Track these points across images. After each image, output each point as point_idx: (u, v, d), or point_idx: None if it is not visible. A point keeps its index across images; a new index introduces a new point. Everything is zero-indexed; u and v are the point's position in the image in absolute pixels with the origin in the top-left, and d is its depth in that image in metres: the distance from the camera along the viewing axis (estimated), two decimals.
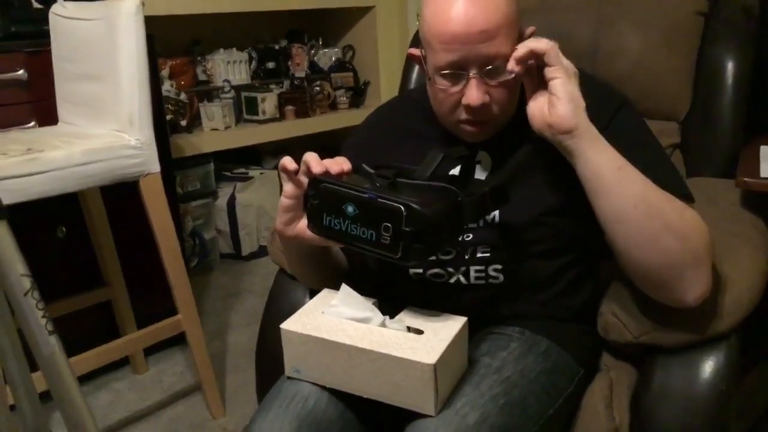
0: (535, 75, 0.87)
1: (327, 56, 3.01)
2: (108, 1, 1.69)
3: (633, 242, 0.86)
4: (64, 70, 1.58)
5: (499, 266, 0.97)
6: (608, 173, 0.84)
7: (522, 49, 0.84)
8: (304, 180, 0.89)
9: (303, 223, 0.91)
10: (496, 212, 0.97)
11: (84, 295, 1.80)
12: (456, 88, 0.90)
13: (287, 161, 0.89)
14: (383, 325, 0.86)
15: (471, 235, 0.98)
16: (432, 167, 0.87)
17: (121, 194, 1.55)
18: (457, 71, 0.89)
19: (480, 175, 1.00)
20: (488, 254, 0.97)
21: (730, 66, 1.32)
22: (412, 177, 0.86)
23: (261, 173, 2.84)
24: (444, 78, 0.90)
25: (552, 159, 0.90)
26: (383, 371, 0.81)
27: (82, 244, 1.79)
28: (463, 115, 0.93)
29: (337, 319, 0.87)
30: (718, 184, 1.25)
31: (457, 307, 0.90)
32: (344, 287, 0.90)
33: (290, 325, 0.87)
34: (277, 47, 2.88)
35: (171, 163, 2.11)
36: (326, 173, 0.85)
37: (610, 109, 0.97)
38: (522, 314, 1.01)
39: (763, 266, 1.00)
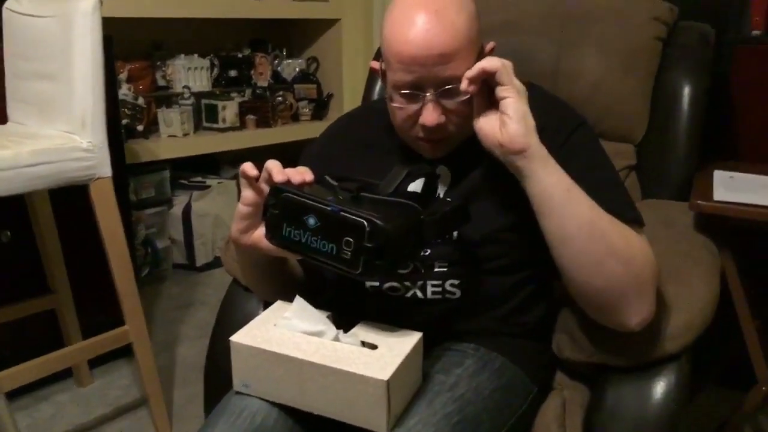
0: (485, 93, 0.86)
1: (291, 67, 3.00)
2: None
3: (577, 264, 0.86)
4: (16, 68, 1.53)
5: (455, 281, 0.97)
6: (555, 194, 0.84)
7: (474, 69, 0.83)
8: (265, 188, 0.87)
9: (260, 231, 0.89)
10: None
11: (28, 302, 1.74)
12: (413, 107, 0.90)
13: (248, 167, 0.86)
14: (337, 339, 0.84)
15: (429, 251, 0.97)
16: (395, 183, 0.86)
17: (70, 198, 1.50)
18: (414, 92, 0.89)
19: (439, 189, 0.99)
20: (445, 269, 0.97)
21: (686, 91, 1.35)
22: (375, 192, 0.85)
23: (219, 182, 2.80)
24: (401, 96, 0.90)
25: (510, 175, 0.89)
26: (335, 387, 0.79)
27: (28, 249, 1.72)
28: (420, 133, 0.93)
29: (289, 332, 0.85)
30: (672, 207, 1.27)
31: (413, 321, 0.88)
32: (298, 299, 0.88)
33: (240, 337, 0.84)
34: (240, 55, 2.85)
35: (125, 169, 2.05)
36: (288, 182, 0.83)
37: (567, 128, 0.97)
38: (477, 330, 1.00)
39: (714, 288, 1.01)
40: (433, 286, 0.97)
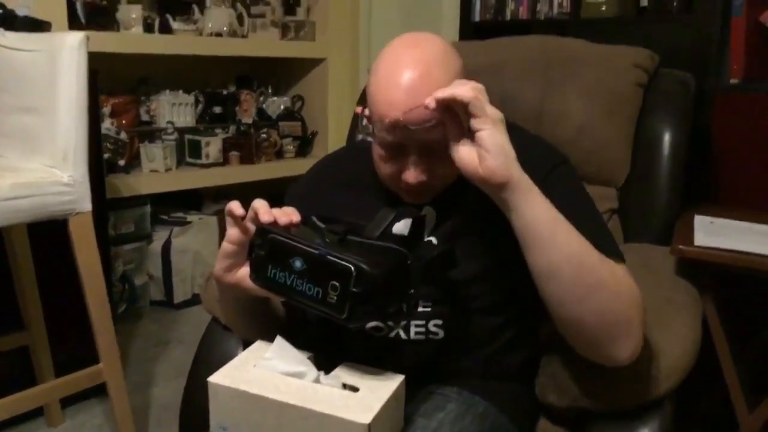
0: (459, 119, 0.83)
1: (276, 104, 3.01)
2: (51, 34, 1.66)
3: (566, 299, 0.84)
4: (0, 101, 1.51)
5: (439, 321, 0.96)
6: (542, 226, 0.82)
7: (444, 92, 0.80)
8: (251, 227, 0.86)
9: (244, 270, 0.87)
10: None
11: (0, 338, 1.69)
12: (396, 161, 0.91)
13: (235, 206, 0.85)
14: (317, 380, 0.82)
15: (412, 290, 0.96)
16: (383, 226, 0.85)
17: (47, 232, 1.48)
18: (397, 150, 0.89)
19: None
20: (429, 309, 0.96)
21: (667, 137, 1.37)
22: (363, 235, 0.84)
23: (200, 218, 2.77)
24: (385, 150, 0.91)
25: (496, 214, 0.89)
26: (315, 430, 0.77)
27: (2, 283, 1.69)
28: (403, 185, 0.92)
29: (269, 373, 0.83)
30: (654, 251, 1.28)
31: (396, 362, 0.87)
32: (279, 339, 0.86)
33: (218, 378, 0.82)
34: (225, 92, 2.86)
35: (105, 204, 2.03)
36: (274, 223, 0.82)
37: (546, 166, 0.97)
38: (461, 372, 0.99)
39: (696, 333, 1.01)
40: (417, 326, 0.96)
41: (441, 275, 0.93)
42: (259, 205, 0.84)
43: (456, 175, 0.91)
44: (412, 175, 0.89)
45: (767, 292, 1.44)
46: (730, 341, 1.35)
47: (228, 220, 0.87)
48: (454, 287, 0.96)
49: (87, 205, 1.43)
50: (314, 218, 0.87)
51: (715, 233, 1.31)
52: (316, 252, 0.77)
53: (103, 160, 2.18)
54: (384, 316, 0.92)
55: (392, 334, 0.97)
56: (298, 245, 0.78)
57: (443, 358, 0.98)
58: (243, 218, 0.85)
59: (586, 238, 0.85)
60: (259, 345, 0.91)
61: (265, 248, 0.81)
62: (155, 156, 2.52)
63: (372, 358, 0.87)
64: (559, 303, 0.85)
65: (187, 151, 2.68)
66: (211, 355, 1.20)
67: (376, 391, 0.80)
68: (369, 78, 0.92)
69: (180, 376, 2.07)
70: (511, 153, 0.81)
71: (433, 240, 0.98)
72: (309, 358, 0.86)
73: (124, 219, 2.52)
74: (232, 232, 0.87)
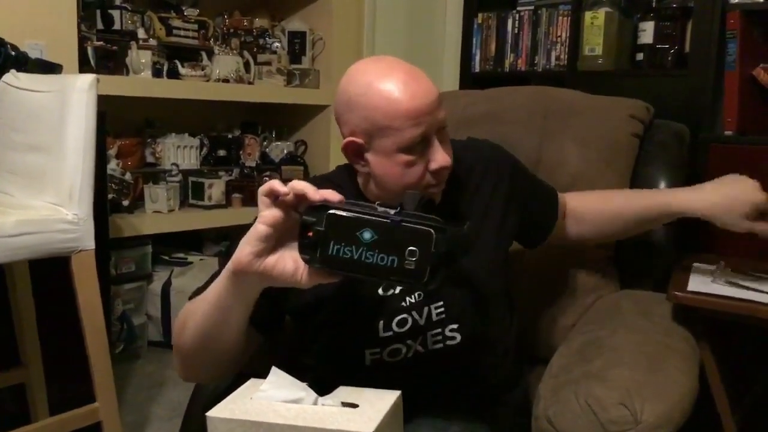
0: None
1: (279, 149, 3.05)
2: (62, 76, 1.70)
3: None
4: (9, 140, 1.54)
5: (454, 325, 0.99)
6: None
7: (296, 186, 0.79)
8: (289, 211, 0.82)
9: (273, 257, 0.82)
10: None
11: None
12: (422, 158, 0.96)
13: (277, 183, 0.81)
14: (316, 403, 0.83)
15: (422, 295, 1.00)
16: (414, 204, 0.85)
17: (48, 269, 1.49)
18: (424, 141, 0.95)
19: None
20: (443, 314, 0.99)
21: (662, 185, 1.40)
22: (405, 213, 0.83)
23: (201, 259, 2.78)
24: (409, 153, 0.95)
25: (495, 211, 1.05)
26: None
27: (1, 319, 1.69)
28: (431, 181, 0.98)
29: (268, 402, 0.84)
30: (650, 298, 1.29)
31: (413, 383, 0.89)
32: (274, 369, 0.87)
33: (217, 412, 0.82)
34: (230, 136, 2.91)
35: (107, 243, 2.05)
36: (327, 201, 0.80)
37: (509, 162, 1.17)
38: (469, 387, 1.03)
39: (693, 379, 1.02)
40: (433, 335, 0.99)
41: (464, 255, 0.91)
42: (304, 185, 0.80)
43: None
44: (444, 157, 0.97)
45: (765, 339, 1.44)
46: (728, 389, 1.34)
47: (264, 200, 0.81)
48: (462, 283, 1.01)
49: (90, 243, 1.44)
50: (353, 201, 0.84)
51: (710, 280, 1.32)
52: (389, 221, 0.78)
53: (108, 199, 2.21)
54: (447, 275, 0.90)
55: (410, 354, 0.99)
56: (367, 216, 0.78)
57: (462, 364, 1.02)
58: (280, 198, 0.81)
59: (546, 194, 1.22)
60: (252, 382, 0.91)
61: (325, 225, 0.79)
62: (159, 197, 2.55)
63: (393, 386, 0.86)
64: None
65: (190, 192, 2.71)
66: (206, 395, 1.19)
67: (376, 405, 0.81)
68: (360, 105, 0.95)
69: (176, 417, 2.06)
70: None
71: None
72: (306, 385, 0.86)
73: (126, 258, 2.53)
74: (270, 213, 0.80)
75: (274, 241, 0.81)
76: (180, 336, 1.00)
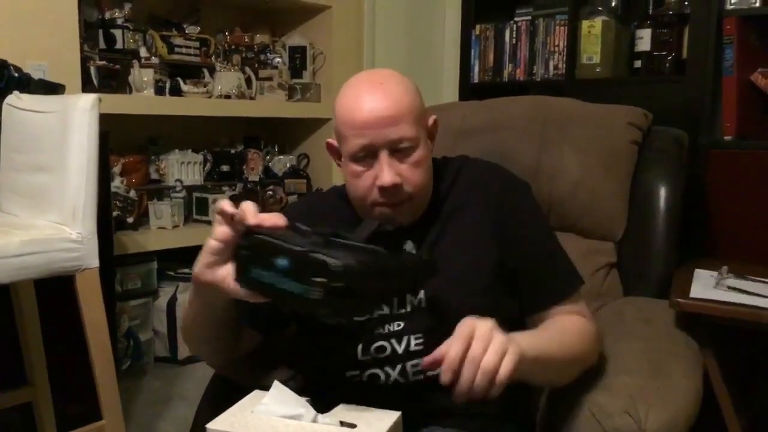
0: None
1: (282, 162, 3.07)
2: (65, 96, 1.72)
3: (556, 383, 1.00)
4: (12, 160, 1.56)
5: None
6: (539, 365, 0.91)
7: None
8: (239, 228, 0.87)
9: (224, 271, 0.88)
10: (422, 296, 0.99)
11: (4, 394, 1.69)
12: (370, 173, 0.97)
13: (227, 204, 0.87)
14: (315, 420, 0.83)
15: (402, 324, 0.98)
16: (367, 232, 0.89)
17: (54, 288, 1.50)
18: (369, 155, 0.96)
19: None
20: (421, 345, 0.98)
21: (662, 192, 1.40)
22: (348, 239, 0.87)
23: None
24: (357, 162, 0.98)
25: (477, 242, 0.99)
26: None
27: (7, 339, 1.69)
28: (379, 198, 0.98)
29: (267, 417, 0.84)
30: (653, 304, 1.29)
31: (394, 407, 0.87)
32: (276, 384, 0.88)
33: (217, 425, 0.83)
34: (233, 151, 2.92)
35: (112, 260, 2.05)
36: (260, 226, 0.85)
37: (511, 194, 1.08)
38: (457, 409, 0.98)
39: (697, 385, 1.02)
40: (413, 366, 0.98)
41: (423, 281, 0.96)
42: (248, 207, 0.86)
43: (427, 195, 1.01)
44: (386, 175, 0.95)
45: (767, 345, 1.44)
46: (733, 395, 1.34)
47: (217, 218, 0.88)
48: (443, 316, 0.98)
49: (94, 262, 1.44)
50: (298, 224, 0.89)
51: (712, 286, 1.32)
52: (300, 249, 0.79)
53: (112, 217, 2.22)
54: (367, 313, 0.95)
55: (390, 381, 0.98)
56: (283, 244, 0.81)
57: (442, 394, 0.98)
58: (233, 218, 0.87)
59: (552, 290, 1.02)
60: (256, 393, 0.92)
61: (249, 248, 0.84)
62: (163, 213, 2.56)
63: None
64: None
65: (194, 208, 2.72)
66: (213, 408, 1.20)
67: (374, 426, 0.81)
68: (335, 109, 1.02)
69: None
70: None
71: (413, 249, 1.02)
72: (307, 401, 0.87)
73: (131, 275, 2.54)
74: (221, 230, 0.87)
75: (227, 255, 0.88)
76: (182, 320, 1.09)
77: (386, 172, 0.96)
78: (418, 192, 0.99)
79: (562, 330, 0.98)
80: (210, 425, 0.83)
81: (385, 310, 1.01)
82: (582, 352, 0.98)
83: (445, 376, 0.81)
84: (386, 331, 1.00)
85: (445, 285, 0.97)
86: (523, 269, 1.04)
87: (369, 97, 0.97)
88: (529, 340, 0.89)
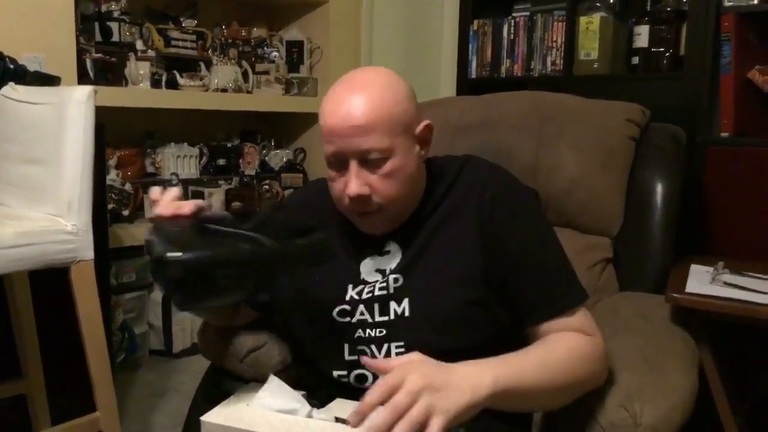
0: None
1: (278, 157, 3.06)
2: (61, 88, 1.71)
3: (551, 407, 0.95)
4: (7, 152, 1.55)
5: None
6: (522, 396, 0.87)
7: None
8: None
9: None
10: (406, 305, 0.97)
11: None
12: (342, 178, 0.96)
13: (155, 192, 0.94)
14: (310, 415, 0.83)
15: (384, 331, 0.97)
16: (253, 222, 0.90)
17: (48, 280, 1.49)
18: (340, 161, 0.95)
19: (390, 264, 1.01)
20: (403, 352, 0.96)
21: (659, 188, 1.40)
22: (237, 226, 0.88)
23: None
24: (331, 167, 0.97)
25: (465, 250, 0.95)
26: None
27: (1, 331, 1.69)
28: (350, 205, 0.97)
29: (262, 410, 0.84)
30: (649, 300, 1.29)
31: None
32: (272, 378, 0.88)
33: (212, 417, 0.83)
34: (229, 145, 2.92)
35: (107, 253, 2.05)
36: (159, 217, 0.89)
37: (513, 202, 1.01)
38: None
39: (693, 381, 1.02)
40: None
41: (310, 265, 0.95)
42: (166, 195, 0.91)
43: (407, 205, 0.98)
44: (351, 185, 0.94)
45: (764, 341, 1.44)
46: (729, 390, 1.34)
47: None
48: (427, 327, 0.96)
49: (89, 254, 1.44)
50: (210, 212, 0.92)
51: (709, 282, 1.32)
52: (149, 240, 0.84)
53: (108, 210, 2.21)
54: (220, 297, 0.93)
55: None
56: (150, 240, 0.85)
57: None
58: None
59: (548, 306, 0.95)
60: (252, 385, 0.92)
61: (150, 238, 0.87)
62: None
63: None
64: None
65: None
66: (207, 401, 1.19)
67: (368, 422, 0.80)
68: None
69: (177, 426, 2.05)
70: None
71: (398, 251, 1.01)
72: (303, 395, 0.87)
73: (126, 268, 2.53)
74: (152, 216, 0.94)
75: None
76: (214, 358, 1.17)
77: (353, 182, 0.94)
78: (388, 203, 0.96)
79: (546, 354, 0.91)
80: (204, 418, 0.83)
81: (365, 316, 0.99)
82: (575, 378, 0.91)
83: (352, 418, 0.76)
84: (367, 336, 0.99)
85: (429, 295, 0.96)
86: (512, 282, 0.97)
87: (344, 104, 0.93)
88: (504, 371, 0.83)
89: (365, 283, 1.01)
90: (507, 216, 0.98)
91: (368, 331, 0.99)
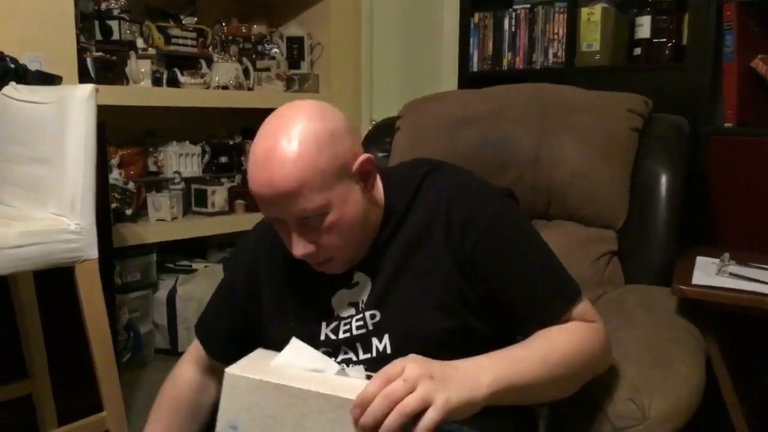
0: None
1: None
2: (62, 87, 1.71)
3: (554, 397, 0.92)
4: (9, 152, 1.55)
5: None
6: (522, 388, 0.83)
7: None
8: None
9: None
10: (387, 342, 0.93)
11: (4, 387, 1.69)
12: (287, 236, 0.90)
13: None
14: (341, 373, 0.79)
15: (368, 366, 0.93)
16: None
17: (53, 280, 1.49)
18: (279, 222, 0.90)
19: (361, 296, 0.96)
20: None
21: (663, 179, 1.40)
22: None
23: (205, 266, 2.78)
24: (273, 225, 0.92)
25: (439, 276, 0.91)
26: (343, 421, 0.72)
27: (7, 331, 1.69)
28: (300, 258, 0.91)
29: (288, 367, 0.80)
30: (654, 292, 1.28)
31: None
32: (294, 340, 0.84)
33: (237, 369, 0.78)
34: (231, 143, 2.92)
35: (111, 252, 2.05)
36: None
37: (486, 216, 0.93)
38: None
39: (700, 373, 1.02)
40: None
41: None
42: None
43: (362, 241, 0.93)
44: (297, 248, 0.89)
45: None
46: (736, 382, 1.34)
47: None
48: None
49: (93, 253, 1.44)
50: None
51: (715, 273, 1.32)
52: None
53: (111, 209, 2.22)
54: None
55: None
56: None
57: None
58: None
59: (540, 314, 0.90)
60: (268, 351, 0.88)
61: None
62: (162, 205, 2.55)
63: None
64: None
65: (193, 200, 2.72)
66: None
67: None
68: None
69: None
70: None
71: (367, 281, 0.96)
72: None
73: (130, 267, 2.53)
74: None
75: None
76: None
77: (295, 244, 0.89)
78: (339, 253, 0.91)
79: (547, 347, 0.87)
80: (229, 369, 0.79)
81: (350, 354, 0.95)
82: (578, 368, 0.88)
83: (353, 411, 0.73)
84: (342, 366, 0.94)
85: (410, 328, 0.92)
86: (497, 301, 0.93)
87: (266, 170, 0.85)
88: (504, 369, 0.81)
89: (339, 318, 0.96)
90: (479, 238, 0.92)
91: (353, 368, 0.94)
